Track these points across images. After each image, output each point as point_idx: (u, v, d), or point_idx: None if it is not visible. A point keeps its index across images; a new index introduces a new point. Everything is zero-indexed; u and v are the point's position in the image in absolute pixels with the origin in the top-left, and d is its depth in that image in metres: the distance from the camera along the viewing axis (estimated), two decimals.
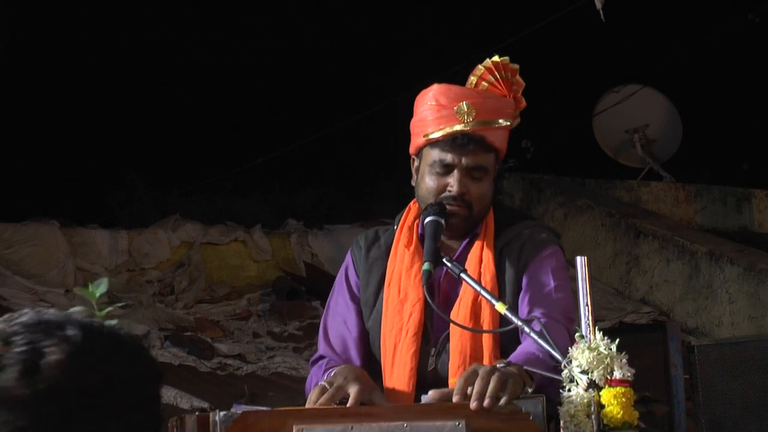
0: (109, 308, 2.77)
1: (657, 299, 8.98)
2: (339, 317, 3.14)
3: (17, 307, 7.89)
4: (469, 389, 2.42)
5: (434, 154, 3.01)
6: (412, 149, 3.11)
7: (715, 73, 11.32)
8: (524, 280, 2.98)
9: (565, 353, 2.46)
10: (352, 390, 2.67)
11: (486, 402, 2.38)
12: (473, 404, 2.38)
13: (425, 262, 2.85)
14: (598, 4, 6.05)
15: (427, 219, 2.96)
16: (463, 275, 2.82)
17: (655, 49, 11.09)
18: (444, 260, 2.87)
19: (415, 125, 3.08)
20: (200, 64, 10.66)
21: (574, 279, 2.55)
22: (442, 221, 2.95)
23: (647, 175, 10.62)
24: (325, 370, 2.98)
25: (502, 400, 2.39)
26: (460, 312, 2.94)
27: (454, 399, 2.43)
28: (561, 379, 2.42)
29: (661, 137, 10.73)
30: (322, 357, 3.10)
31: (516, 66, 3.10)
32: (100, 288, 2.75)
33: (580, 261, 2.48)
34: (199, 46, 10.67)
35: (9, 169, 9.64)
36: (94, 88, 10.19)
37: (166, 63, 10.53)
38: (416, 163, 3.10)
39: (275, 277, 9.15)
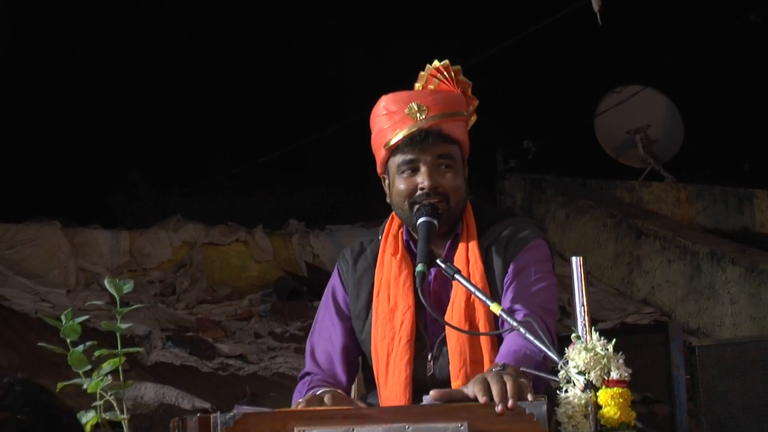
0: (127, 309, 2.80)
1: (658, 300, 8.98)
2: (325, 333, 3.14)
3: (19, 307, 7.89)
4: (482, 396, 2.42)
5: (398, 159, 3.01)
6: (378, 168, 3.11)
7: (717, 74, 11.32)
8: (508, 275, 2.98)
9: (546, 346, 2.50)
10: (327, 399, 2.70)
11: (510, 403, 2.37)
12: (499, 407, 2.37)
13: (419, 263, 2.84)
14: (596, 7, 6.06)
15: (420, 220, 2.95)
16: (457, 276, 2.81)
17: (657, 49, 11.09)
18: (438, 261, 2.86)
19: (374, 141, 3.09)
20: (201, 65, 10.67)
21: (569, 276, 2.54)
22: (435, 222, 2.94)
23: (648, 175, 10.62)
24: (309, 387, 3.00)
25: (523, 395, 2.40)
26: (454, 314, 2.93)
27: (481, 400, 2.41)
28: (555, 379, 2.43)
29: (663, 138, 10.74)
30: (308, 373, 3.11)
31: (458, 67, 3.11)
32: (126, 286, 2.78)
33: (576, 261, 2.48)
34: (200, 46, 10.68)
35: (10, 170, 9.64)
36: (95, 89, 10.20)
37: (167, 63, 10.54)
38: (387, 180, 3.09)
39: (277, 278, 9.15)
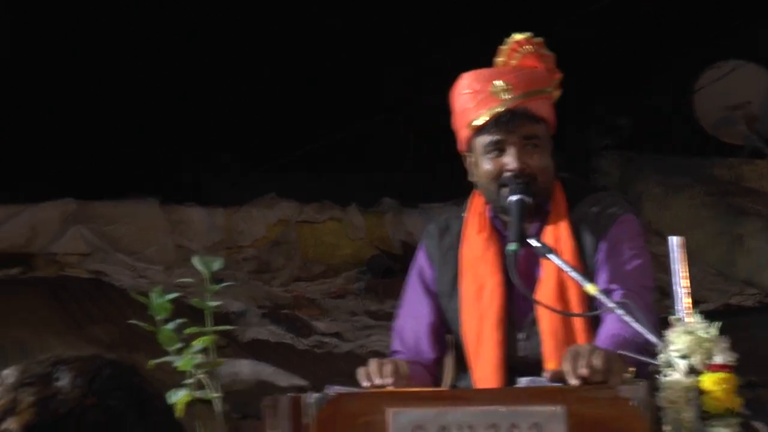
0: (218, 286, 2.80)
1: (762, 280, 8.77)
2: (412, 312, 3.12)
3: (118, 282, 8.02)
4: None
5: (483, 140, 2.96)
6: (461, 146, 3.07)
7: None
8: (600, 253, 2.92)
9: (648, 325, 2.43)
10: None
11: (589, 375, 2.33)
12: (574, 381, 2.33)
13: (511, 242, 2.79)
14: None
15: (512, 198, 2.90)
16: (551, 255, 2.76)
17: (759, 22, 10.82)
18: (530, 240, 2.81)
19: (456, 119, 3.04)
20: (290, 42, 10.67)
21: (665, 256, 2.47)
22: (528, 199, 2.89)
23: (749, 152, 10.41)
24: None
25: (613, 381, 2.33)
26: (544, 293, 2.88)
27: (571, 382, 2.36)
28: (655, 363, 2.37)
29: (764, 114, 10.52)
30: (394, 352, 3.13)
31: (540, 39, 3.03)
32: (216, 263, 2.78)
33: (675, 242, 2.41)
34: (286, 23, 10.67)
35: (109, 149, 9.78)
36: (189, 68, 10.28)
37: (256, 42, 10.57)
38: (470, 158, 3.05)
39: (370, 256, 9.16)
